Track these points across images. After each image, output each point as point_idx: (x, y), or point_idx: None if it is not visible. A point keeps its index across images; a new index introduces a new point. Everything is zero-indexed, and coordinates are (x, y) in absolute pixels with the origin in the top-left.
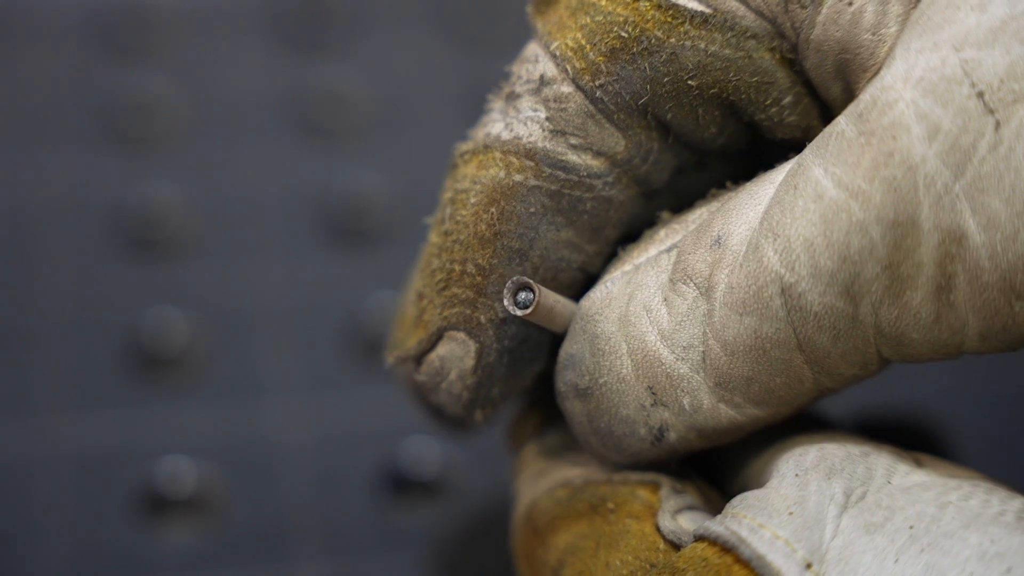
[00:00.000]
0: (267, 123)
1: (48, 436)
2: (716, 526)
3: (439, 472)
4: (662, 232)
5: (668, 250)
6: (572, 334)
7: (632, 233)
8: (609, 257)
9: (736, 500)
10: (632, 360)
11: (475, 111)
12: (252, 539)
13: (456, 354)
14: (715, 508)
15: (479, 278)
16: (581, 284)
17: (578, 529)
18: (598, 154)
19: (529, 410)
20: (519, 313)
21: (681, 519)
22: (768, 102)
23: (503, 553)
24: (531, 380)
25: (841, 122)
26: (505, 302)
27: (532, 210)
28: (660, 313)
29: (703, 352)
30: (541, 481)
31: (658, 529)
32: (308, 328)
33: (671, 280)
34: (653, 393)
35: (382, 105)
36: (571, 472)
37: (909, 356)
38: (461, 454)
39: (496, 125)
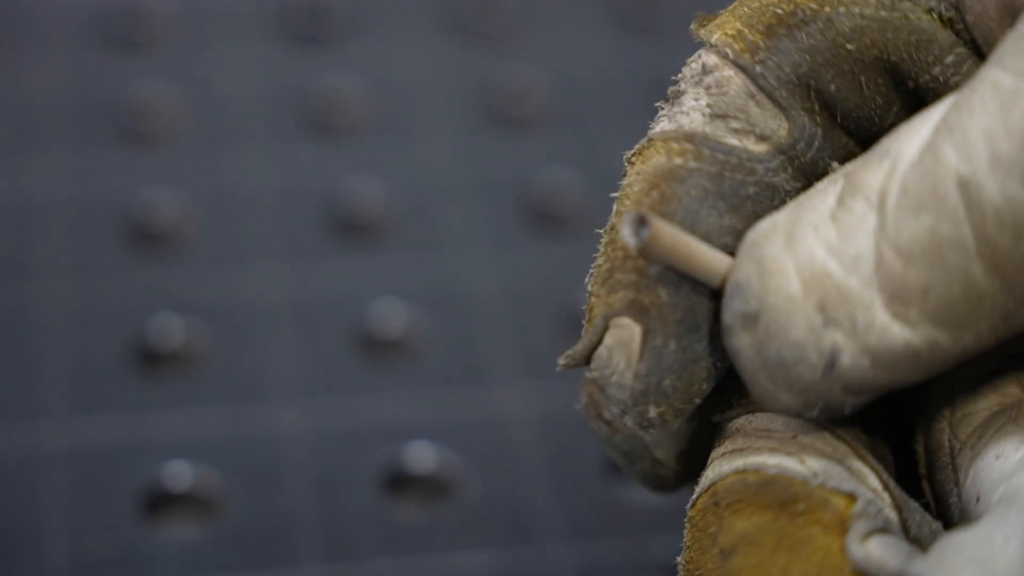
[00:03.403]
0: (267, 123)
1: (48, 436)
2: (927, 573)
3: (439, 472)
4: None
5: (835, 180)
6: (738, 263)
7: None
8: None
9: (951, 546)
10: (800, 277)
11: (475, 111)
12: (252, 539)
13: (623, 340)
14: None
15: (642, 261)
16: None
17: (760, 520)
18: (761, 138)
19: (740, 386)
20: (633, 243)
21: (871, 545)
22: (931, 60)
23: (503, 553)
24: (707, 381)
25: (1017, 27)
26: (624, 231)
27: (693, 193)
28: (828, 229)
29: (875, 264)
30: (736, 459)
31: (844, 550)
32: (308, 328)
33: (839, 199)
34: (823, 310)
35: (382, 105)
36: (769, 459)
37: None
38: (461, 455)
39: (661, 122)
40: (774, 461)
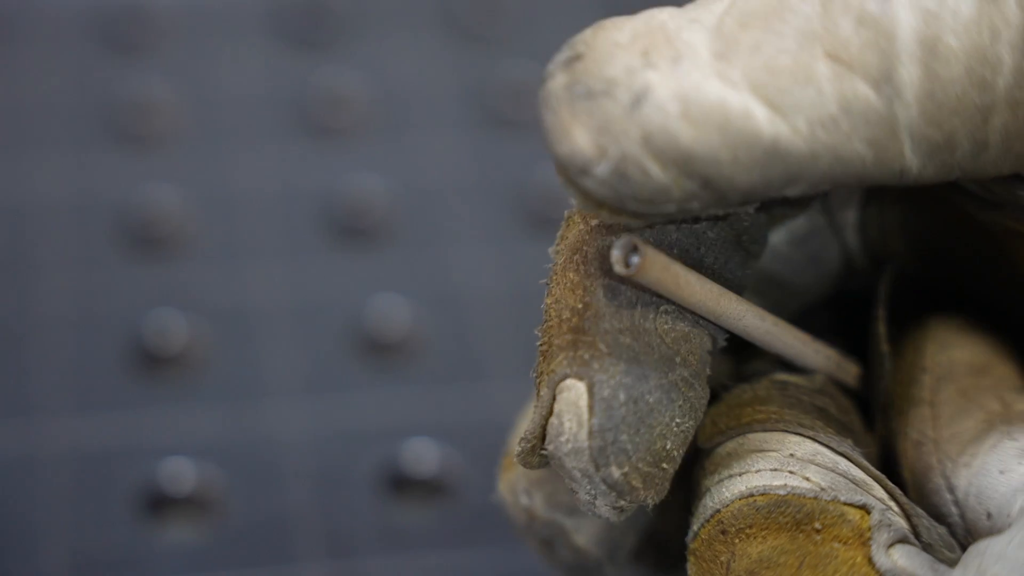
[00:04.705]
0: (267, 123)
1: (48, 436)
2: None
3: (439, 472)
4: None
5: None
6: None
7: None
8: None
9: (986, 555)
10: (632, 31)
11: (475, 111)
12: (252, 539)
13: (570, 401)
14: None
15: (575, 319)
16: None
17: (777, 542)
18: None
19: (726, 410)
20: (622, 272)
21: (895, 554)
22: None
23: (503, 553)
24: (669, 439)
25: None
26: (612, 257)
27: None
28: (676, 10)
29: (713, 28)
30: (737, 483)
31: (871, 561)
32: (308, 328)
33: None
34: (646, 55)
35: (382, 105)
36: (773, 481)
37: (941, 80)
38: (461, 454)
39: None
40: (780, 482)
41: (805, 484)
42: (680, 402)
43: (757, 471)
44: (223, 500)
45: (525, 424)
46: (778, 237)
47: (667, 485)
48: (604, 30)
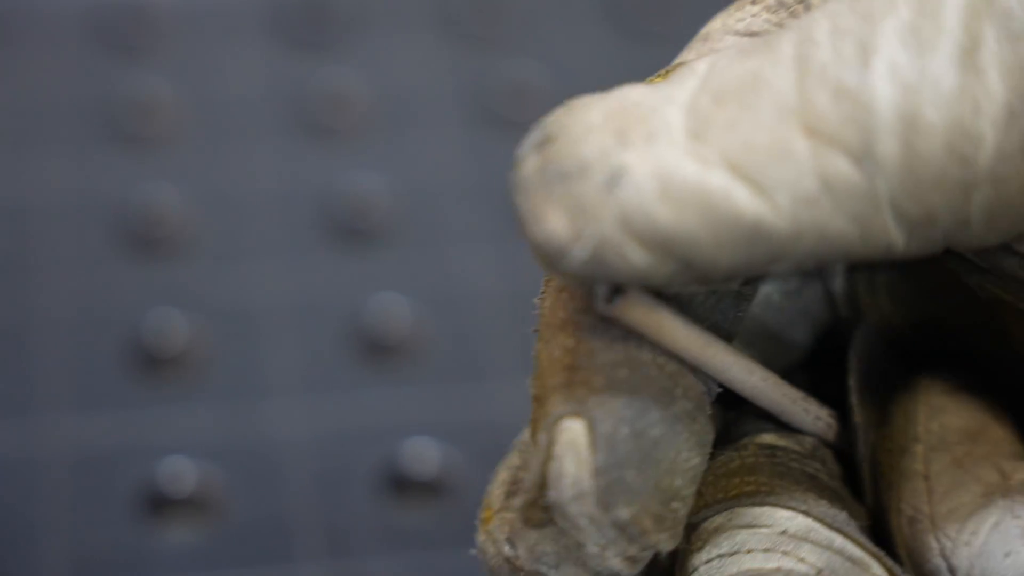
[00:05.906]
0: (267, 123)
1: (48, 436)
2: None
3: (439, 472)
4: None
5: None
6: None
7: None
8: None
9: None
10: (605, 111)
11: (475, 111)
12: (252, 539)
13: (569, 441)
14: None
15: (567, 358)
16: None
17: None
18: None
19: (712, 480)
20: (603, 310)
21: None
22: None
23: None
24: (679, 475)
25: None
26: (595, 293)
27: None
28: (647, 87)
29: (687, 106)
30: (728, 565)
31: None
32: (308, 328)
33: (665, 74)
34: (621, 135)
35: (382, 105)
36: (767, 563)
37: (921, 155)
38: (461, 454)
39: None
40: (773, 564)
41: (800, 567)
42: (685, 435)
43: (748, 551)
44: (223, 500)
45: (505, 474)
46: (771, 287)
47: (680, 530)
48: (575, 111)
